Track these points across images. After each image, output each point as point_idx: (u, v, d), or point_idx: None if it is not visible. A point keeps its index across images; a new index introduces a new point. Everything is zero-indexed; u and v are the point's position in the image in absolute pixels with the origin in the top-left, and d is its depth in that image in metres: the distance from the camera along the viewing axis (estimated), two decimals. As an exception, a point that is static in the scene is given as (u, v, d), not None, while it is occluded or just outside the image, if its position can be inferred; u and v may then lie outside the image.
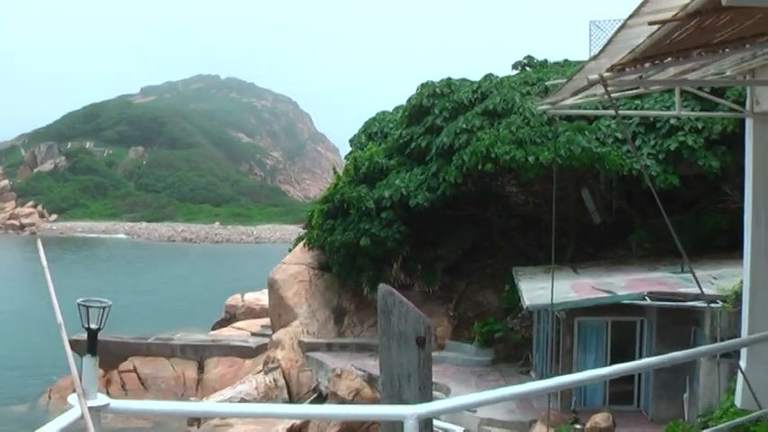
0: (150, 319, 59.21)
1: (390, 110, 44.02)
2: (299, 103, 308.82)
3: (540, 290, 26.40)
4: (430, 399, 5.88)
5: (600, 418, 23.93)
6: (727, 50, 9.12)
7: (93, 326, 4.79)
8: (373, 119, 44.05)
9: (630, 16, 6.18)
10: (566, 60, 40.16)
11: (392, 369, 6.17)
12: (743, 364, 13.94)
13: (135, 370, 41.90)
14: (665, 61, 8.47)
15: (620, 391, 26.35)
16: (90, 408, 4.71)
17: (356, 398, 31.55)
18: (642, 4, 5.82)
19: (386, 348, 6.24)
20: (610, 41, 7.24)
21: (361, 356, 34.11)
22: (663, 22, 6.02)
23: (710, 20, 6.29)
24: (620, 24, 6.59)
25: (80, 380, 4.74)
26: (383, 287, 6.31)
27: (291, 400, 34.98)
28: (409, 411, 4.52)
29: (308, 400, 34.20)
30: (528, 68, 40.81)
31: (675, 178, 30.79)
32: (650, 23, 6.09)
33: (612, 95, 13.00)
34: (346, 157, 43.05)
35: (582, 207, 34.91)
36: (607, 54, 7.77)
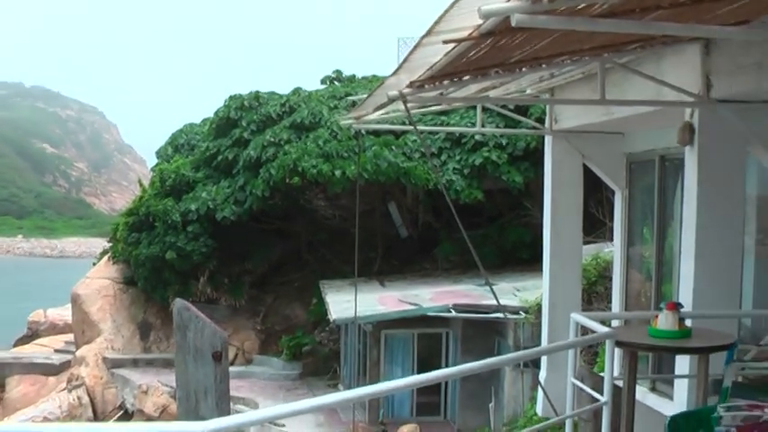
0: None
1: (198, 122, 43.52)
2: (106, 113, 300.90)
3: (346, 303, 26.49)
4: (228, 413, 5.83)
5: (407, 430, 24.25)
6: (524, 69, 9.39)
7: None
8: (180, 131, 43.39)
9: (425, 35, 6.25)
10: (374, 76, 40.48)
11: (189, 384, 6.11)
12: (542, 374, 14.40)
13: (-70, 390, 40.17)
14: (464, 79, 8.65)
15: (428, 402, 26.66)
16: None
17: (163, 414, 31.14)
18: (436, 23, 5.89)
19: (182, 364, 6.17)
20: (406, 59, 7.32)
21: (167, 372, 33.40)
22: (458, 41, 6.10)
23: (505, 39, 6.42)
24: (416, 42, 6.67)
25: None
26: (179, 302, 6.26)
27: (96, 418, 34.14)
28: (200, 428, 4.44)
29: (114, 418, 33.51)
30: (337, 83, 41.05)
31: (480, 193, 31.46)
32: (445, 42, 6.17)
33: (415, 111, 13.26)
34: (153, 170, 42.38)
35: (389, 221, 35.29)
36: (407, 70, 7.87)
